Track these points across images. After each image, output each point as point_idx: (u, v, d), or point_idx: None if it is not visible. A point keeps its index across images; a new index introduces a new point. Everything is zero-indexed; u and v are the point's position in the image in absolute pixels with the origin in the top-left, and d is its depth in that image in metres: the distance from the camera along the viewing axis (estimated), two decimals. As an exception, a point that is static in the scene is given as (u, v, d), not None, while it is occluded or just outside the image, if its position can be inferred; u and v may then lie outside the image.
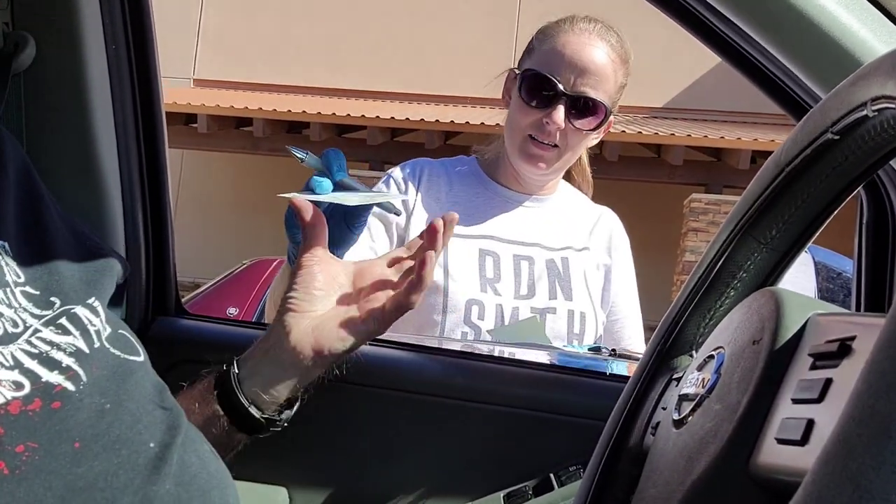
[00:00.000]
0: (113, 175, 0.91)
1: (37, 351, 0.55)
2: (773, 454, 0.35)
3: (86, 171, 0.89)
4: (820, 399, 0.32)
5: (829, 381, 0.33)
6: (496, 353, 1.05)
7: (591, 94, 1.08)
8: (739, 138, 8.06)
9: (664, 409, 0.57)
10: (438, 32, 10.65)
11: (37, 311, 0.57)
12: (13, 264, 0.58)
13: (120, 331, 0.62)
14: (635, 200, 10.13)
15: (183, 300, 1.02)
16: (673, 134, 8.07)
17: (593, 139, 1.17)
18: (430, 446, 0.92)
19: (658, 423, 0.55)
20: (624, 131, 8.22)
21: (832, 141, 0.49)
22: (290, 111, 8.32)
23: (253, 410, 0.67)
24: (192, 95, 9.32)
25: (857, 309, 0.76)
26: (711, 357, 0.46)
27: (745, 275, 0.62)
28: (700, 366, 0.48)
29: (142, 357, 0.62)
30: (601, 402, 0.86)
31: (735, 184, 8.23)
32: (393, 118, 8.18)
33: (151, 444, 0.56)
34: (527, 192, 1.19)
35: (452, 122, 8.33)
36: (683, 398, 0.47)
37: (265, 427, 0.68)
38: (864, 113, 0.45)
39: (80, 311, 0.59)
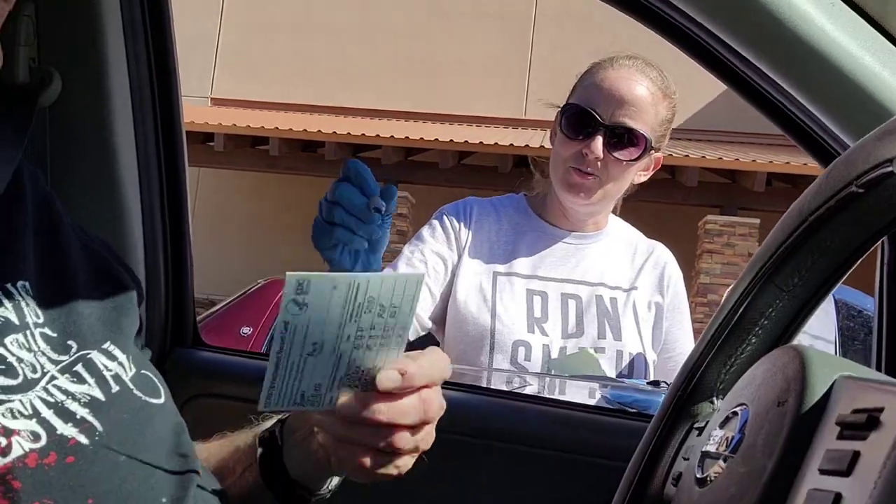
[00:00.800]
0: (135, 207, 0.92)
1: (53, 400, 0.55)
2: (800, 524, 0.35)
3: (109, 203, 0.90)
4: (848, 472, 0.32)
5: (857, 454, 0.32)
6: (543, 388, 1.04)
7: (630, 124, 1.10)
8: (755, 160, 8.02)
9: (685, 459, 0.56)
10: (452, 53, 10.73)
11: (54, 356, 0.57)
12: (33, 304, 0.58)
13: (143, 371, 0.62)
14: (650, 221, 10.06)
15: (198, 317, 1.02)
16: (687, 155, 8.05)
17: (641, 175, 1.18)
18: (445, 485, 0.91)
19: (679, 475, 0.55)
20: (638, 152, 8.19)
21: (856, 194, 0.49)
22: (305, 130, 8.38)
23: (301, 490, 0.62)
24: (210, 114, 9.42)
25: (879, 358, 0.75)
26: (735, 414, 0.46)
27: (766, 322, 0.62)
28: (723, 422, 0.47)
29: (162, 398, 0.62)
30: (626, 442, 0.85)
31: (750, 206, 8.18)
32: (407, 137, 8.23)
33: (164, 500, 0.55)
34: (575, 228, 1.20)
35: (466, 141, 8.36)
36: (706, 455, 0.47)
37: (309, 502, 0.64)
38: (890, 169, 0.44)
39: (95, 356, 0.59)
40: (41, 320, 0.58)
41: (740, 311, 0.63)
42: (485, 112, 10.63)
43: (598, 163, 1.10)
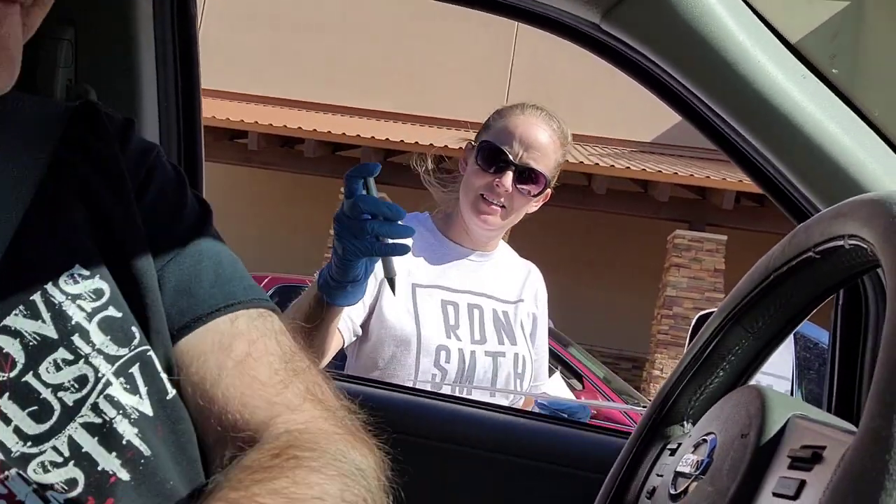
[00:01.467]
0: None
1: (100, 420, 0.51)
2: (755, 536, 0.43)
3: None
4: (796, 497, 0.41)
5: (803, 483, 0.41)
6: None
7: (534, 165, 1.29)
8: (725, 178, 8.24)
9: (659, 475, 0.65)
10: (435, 55, 10.80)
11: (112, 350, 0.53)
12: (90, 284, 0.54)
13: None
14: (620, 234, 10.29)
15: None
16: (660, 171, 8.23)
17: (533, 206, 1.37)
18: (423, 492, 0.99)
19: (654, 490, 0.63)
20: (613, 165, 8.36)
21: (813, 258, 0.58)
22: (285, 126, 8.39)
23: None
24: (188, 103, 9.35)
25: (830, 395, 0.85)
26: (704, 441, 0.55)
27: (733, 358, 0.71)
28: (695, 447, 0.56)
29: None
30: (596, 454, 0.94)
31: (718, 222, 8.39)
32: (388, 139, 8.28)
33: None
34: (476, 247, 1.39)
35: (447, 146, 8.43)
36: (679, 474, 0.55)
37: None
38: (842, 244, 0.53)
39: (153, 355, 0.55)
40: (103, 300, 0.54)
41: (710, 347, 0.72)
42: (466, 116, 10.69)
43: (505, 195, 1.29)
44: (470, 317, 1.32)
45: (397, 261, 1.22)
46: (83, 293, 0.54)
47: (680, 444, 0.66)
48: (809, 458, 0.42)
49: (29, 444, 0.49)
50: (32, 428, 0.49)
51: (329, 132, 8.35)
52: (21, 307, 0.52)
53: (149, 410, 0.54)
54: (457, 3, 0.88)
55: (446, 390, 1.25)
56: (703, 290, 8.03)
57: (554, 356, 4.82)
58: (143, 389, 0.54)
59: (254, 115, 8.74)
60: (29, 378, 0.50)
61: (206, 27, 11.05)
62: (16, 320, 0.51)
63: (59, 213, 0.57)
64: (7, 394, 0.49)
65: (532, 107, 1.34)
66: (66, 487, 0.48)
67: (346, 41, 10.77)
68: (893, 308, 0.39)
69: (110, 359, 0.53)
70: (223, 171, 9.91)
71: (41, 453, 0.49)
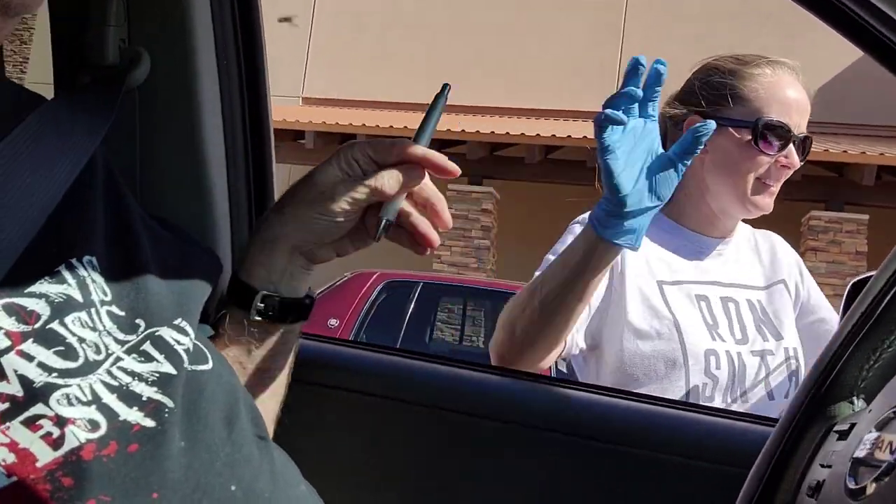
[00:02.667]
0: (221, 190, 0.91)
1: (117, 383, 0.51)
2: None
3: (196, 186, 0.89)
4: None
5: None
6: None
7: (806, 132, 1.16)
8: (864, 152, 7.53)
9: (826, 466, 0.49)
10: (539, 46, 10.60)
11: (120, 336, 0.54)
12: (100, 280, 0.55)
13: (195, 342, 0.58)
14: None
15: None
16: (790, 148, 7.64)
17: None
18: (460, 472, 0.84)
19: (818, 485, 0.47)
20: (735, 145, 7.85)
21: None
22: (391, 126, 8.47)
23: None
24: (301, 113, 9.66)
25: None
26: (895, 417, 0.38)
27: (921, 311, 0.53)
28: (881, 424, 0.40)
29: (210, 364, 0.58)
30: (732, 445, 0.77)
31: (858, 201, 7.70)
32: (492, 132, 8.18)
33: (232, 488, 0.51)
34: (723, 235, 1.21)
35: (553, 135, 8.24)
36: (860, 462, 0.39)
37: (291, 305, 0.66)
38: None
39: (165, 332, 0.56)
40: (108, 297, 0.55)
41: (887, 298, 0.54)
42: (572, 105, 10.43)
43: (788, 174, 1.15)
44: (726, 312, 1.14)
45: (633, 259, 1.11)
46: (97, 281, 0.56)
47: (853, 425, 0.49)
48: None
49: (55, 374, 0.49)
50: (58, 363, 0.49)
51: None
52: (47, 276, 0.53)
53: (171, 370, 0.54)
54: None
55: (717, 402, 1.06)
56: (845, 274, 7.37)
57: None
58: (159, 357, 0.55)
59: (362, 119, 8.88)
60: (55, 325, 0.51)
61: (314, 37, 11.40)
62: (41, 286, 0.52)
63: (88, 204, 0.59)
64: (31, 339, 0.49)
65: (790, 68, 1.17)
66: (88, 426, 0.48)
67: (449, 40, 10.78)
68: None
69: (119, 341, 0.54)
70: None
71: (66, 386, 0.48)
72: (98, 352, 0.51)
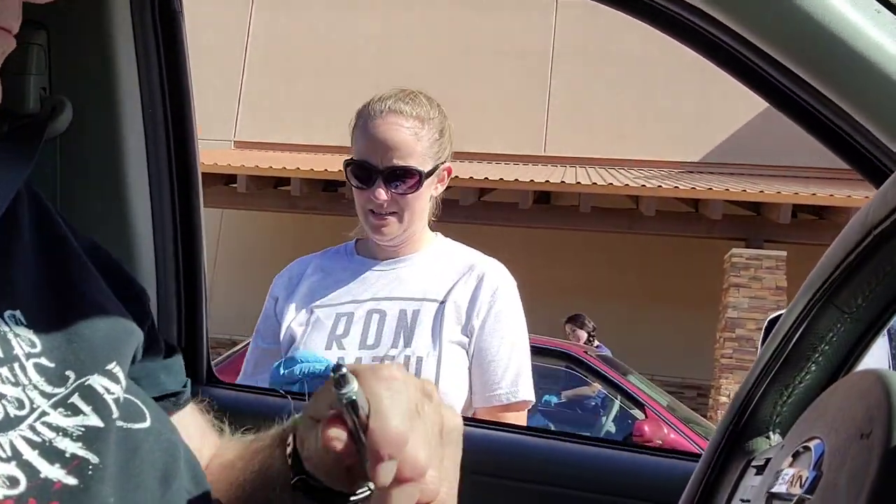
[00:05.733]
0: (147, 240, 0.89)
1: (39, 439, 0.49)
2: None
3: (119, 235, 0.87)
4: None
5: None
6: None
7: (401, 164, 1.24)
8: (779, 192, 7.92)
9: (744, 501, 0.50)
10: (472, 91, 10.83)
11: (48, 389, 0.52)
12: (27, 333, 0.53)
13: (127, 395, 0.56)
14: (674, 256, 9.98)
15: (218, 357, 0.99)
16: (711, 188, 7.97)
17: (437, 189, 1.33)
18: None
19: (739, 520, 0.49)
20: (660, 186, 8.14)
21: (929, 201, 0.44)
22: (326, 170, 8.45)
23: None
24: (233, 157, 9.54)
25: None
26: (806, 449, 0.40)
27: (827, 347, 0.56)
28: (792, 458, 0.42)
29: (147, 422, 0.56)
30: (660, 482, 0.79)
31: (776, 238, 8.06)
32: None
33: None
34: (389, 257, 1.34)
35: (486, 178, 8.37)
36: (775, 496, 0.41)
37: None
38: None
39: (95, 380, 0.54)
40: (37, 349, 0.53)
41: (796, 336, 0.57)
42: (504, 150, 10.66)
43: (386, 204, 1.25)
44: (366, 323, 1.27)
45: (300, 296, 1.33)
46: (21, 335, 0.53)
47: (768, 460, 0.51)
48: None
49: None
50: None
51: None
52: None
53: (98, 423, 0.52)
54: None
55: None
56: (766, 309, 7.67)
57: (613, 385, 4.58)
58: (87, 409, 0.53)
59: (295, 163, 8.84)
60: None
61: (247, 82, 11.34)
62: None
63: (10, 254, 0.57)
64: None
65: (379, 101, 1.29)
66: (7, 483, 0.46)
67: (381, 85, 10.86)
68: None
69: (46, 395, 0.52)
70: (269, 218, 10.04)
71: None
72: (21, 407, 0.50)
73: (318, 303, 1.31)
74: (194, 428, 0.68)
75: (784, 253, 7.91)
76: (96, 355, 0.55)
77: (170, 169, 0.91)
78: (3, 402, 0.49)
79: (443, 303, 1.27)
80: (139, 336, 0.61)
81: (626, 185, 8.21)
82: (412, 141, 1.25)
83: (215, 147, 10.51)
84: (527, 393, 1.24)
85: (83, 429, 0.51)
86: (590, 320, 6.52)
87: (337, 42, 11.33)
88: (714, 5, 0.68)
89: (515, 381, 1.24)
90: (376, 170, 1.24)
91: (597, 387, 4.71)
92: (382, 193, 1.24)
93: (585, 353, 4.87)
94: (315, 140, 10.57)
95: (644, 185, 8.14)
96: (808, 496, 0.37)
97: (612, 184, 8.28)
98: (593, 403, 4.88)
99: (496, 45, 10.99)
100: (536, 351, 5.12)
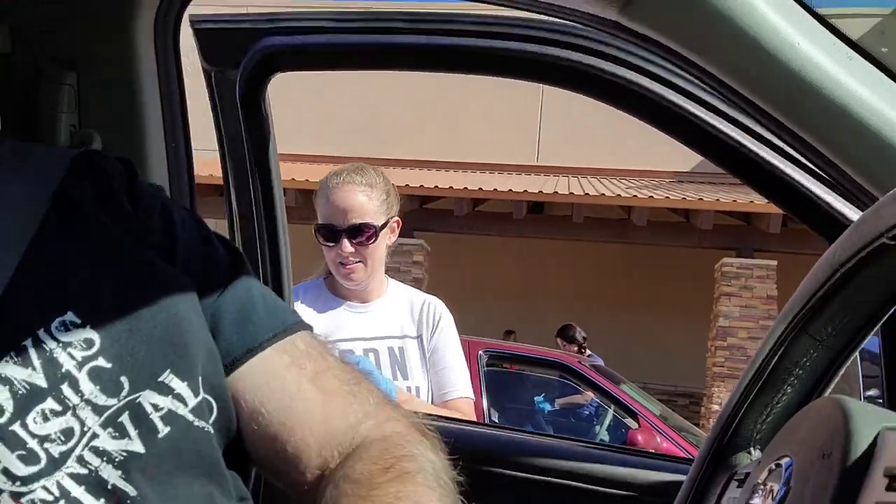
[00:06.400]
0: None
1: (86, 471, 0.51)
2: (854, 579, 0.35)
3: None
4: (903, 526, 0.32)
5: (910, 508, 0.32)
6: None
7: (358, 221, 1.56)
8: (769, 202, 8.01)
9: (727, 512, 0.56)
10: (465, 102, 10.90)
11: (101, 401, 0.52)
12: (82, 334, 0.53)
13: (205, 395, 0.56)
14: (665, 265, 10.06)
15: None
16: (701, 198, 8.06)
17: (390, 239, 1.63)
18: None
19: (722, 528, 0.55)
20: (652, 196, 8.22)
21: (887, 245, 0.50)
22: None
23: None
24: (227, 166, 9.56)
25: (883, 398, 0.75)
26: (778, 466, 0.46)
27: (801, 371, 0.62)
28: (766, 474, 0.48)
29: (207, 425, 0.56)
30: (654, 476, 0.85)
31: (766, 248, 8.15)
32: (422, 186, 8.31)
33: None
34: (361, 299, 1.63)
35: (480, 188, 8.43)
36: (752, 508, 0.47)
37: None
38: (921, 223, 0.45)
39: (146, 398, 0.53)
40: (95, 349, 0.53)
41: (774, 360, 0.63)
42: (498, 159, 10.73)
43: (352, 256, 1.56)
44: (360, 355, 1.52)
45: None
46: (74, 342, 0.53)
47: (748, 474, 0.57)
48: (915, 478, 0.34)
49: (18, 483, 0.49)
50: (21, 470, 0.50)
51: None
52: (12, 353, 0.52)
53: (140, 448, 0.53)
54: None
55: None
56: (758, 318, 7.75)
57: (606, 395, 4.64)
58: (132, 432, 0.54)
59: (292, 173, 8.89)
60: (16, 427, 0.50)
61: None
62: (6, 367, 0.51)
63: (56, 257, 0.56)
64: None
65: (335, 175, 1.60)
66: None
67: (376, 94, 10.96)
68: None
69: (98, 409, 0.53)
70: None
71: (31, 492, 0.49)
72: (69, 437, 0.51)
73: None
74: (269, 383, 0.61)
75: (774, 262, 8.00)
76: (153, 359, 0.54)
77: (191, 201, 0.96)
78: (46, 444, 0.50)
79: (418, 337, 1.60)
80: (203, 335, 0.59)
81: (619, 195, 8.28)
82: (365, 202, 1.57)
83: (211, 157, 10.54)
84: (468, 391, 1.60)
85: (125, 454, 0.52)
86: (580, 330, 6.58)
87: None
88: (703, 56, 0.74)
89: (460, 383, 1.59)
90: (340, 229, 1.55)
91: (590, 395, 4.76)
92: (347, 246, 1.55)
93: (578, 362, 4.93)
94: (313, 150, 10.63)
95: (636, 195, 8.22)
96: (780, 506, 0.43)
97: (604, 194, 8.36)
98: (587, 413, 4.93)
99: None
100: (530, 361, 5.14)
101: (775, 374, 0.63)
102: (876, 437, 0.40)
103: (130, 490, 0.52)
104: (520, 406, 5.08)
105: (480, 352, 4.39)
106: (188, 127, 0.96)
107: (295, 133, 10.83)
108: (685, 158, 10.39)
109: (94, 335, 0.53)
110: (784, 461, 0.46)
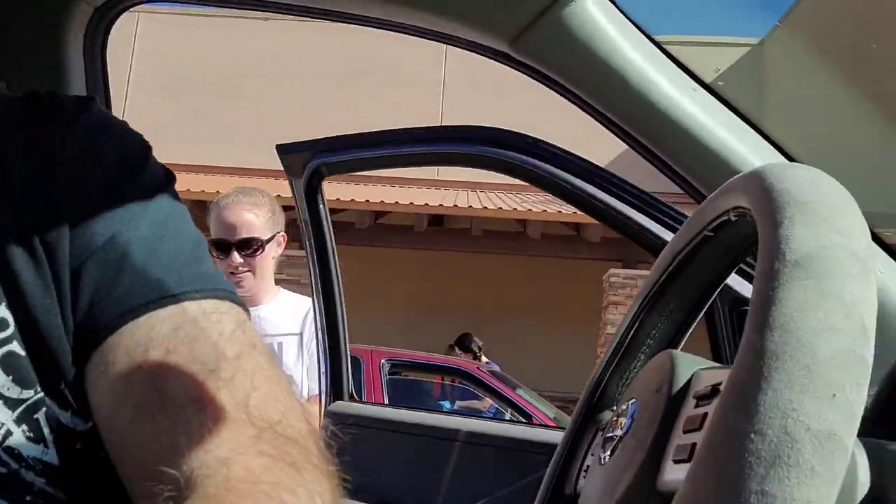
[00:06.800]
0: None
1: (5, 470, 0.45)
2: (672, 472, 0.48)
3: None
4: (700, 427, 0.45)
5: (705, 415, 0.46)
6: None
7: (246, 235, 1.80)
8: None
9: (593, 455, 0.69)
10: (365, 117, 10.98)
11: (15, 393, 0.46)
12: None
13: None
14: (558, 276, 10.50)
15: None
16: (591, 212, 8.49)
17: (277, 251, 1.88)
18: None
19: (588, 468, 0.67)
20: (545, 210, 8.58)
21: (708, 237, 0.65)
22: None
23: None
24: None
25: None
26: (627, 406, 0.59)
27: (651, 341, 0.77)
28: (619, 414, 0.61)
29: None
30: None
31: (648, 259, 8.63)
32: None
33: None
34: (251, 304, 1.77)
35: (382, 202, 8.53)
36: (607, 440, 0.60)
37: None
38: (728, 217, 0.60)
39: (66, 394, 0.47)
40: (7, 333, 0.46)
41: (631, 334, 0.77)
42: (399, 173, 10.85)
43: (241, 266, 1.79)
44: None
45: None
46: None
47: (608, 424, 0.70)
48: (709, 394, 0.47)
49: None
50: None
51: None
52: None
53: (55, 460, 0.46)
54: (377, 26, 0.94)
55: None
56: (643, 325, 8.21)
57: (503, 399, 4.84)
58: (49, 437, 0.46)
59: (184, 184, 8.66)
60: None
61: (131, 98, 10.99)
62: None
63: None
64: None
65: (224, 197, 1.84)
66: None
67: (277, 106, 10.84)
68: (764, 253, 0.44)
69: (11, 403, 0.45)
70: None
71: None
72: None
73: None
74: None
75: (657, 273, 8.51)
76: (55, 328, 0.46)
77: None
78: None
79: (299, 334, 1.83)
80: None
81: (514, 208, 8.60)
82: (252, 219, 1.80)
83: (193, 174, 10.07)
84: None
85: (41, 465, 0.46)
86: (477, 340, 6.77)
87: (225, 62, 11.19)
88: (579, 88, 0.89)
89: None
90: (230, 243, 1.77)
91: (488, 401, 4.94)
92: (237, 258, 1.78)
93: (477, 368, 5.11)
94: (199, 160, 10.37)
95: (530, 209, 8.56)
96: (625, 435, 0.56)
97: (501, 208, 8.65)
98: (485, 416, 5.11)
99: (389, 72, 11.22)
100: (433, 368, 5.27)
101: (632, 344, 0.77)
102: (692, 376, 0.54)
103: (60, 494, 0.46)
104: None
105: (383, 360, 4.47)
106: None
107: (247, 147, 10.54)
108: (576, 174, 10.89)
109: (8, 314, 0.46)
110: (630, 402, 0.59)
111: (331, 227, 1.64)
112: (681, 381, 0.53)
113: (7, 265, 0.46)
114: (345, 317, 1.61)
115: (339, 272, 1.66)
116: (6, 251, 0.46)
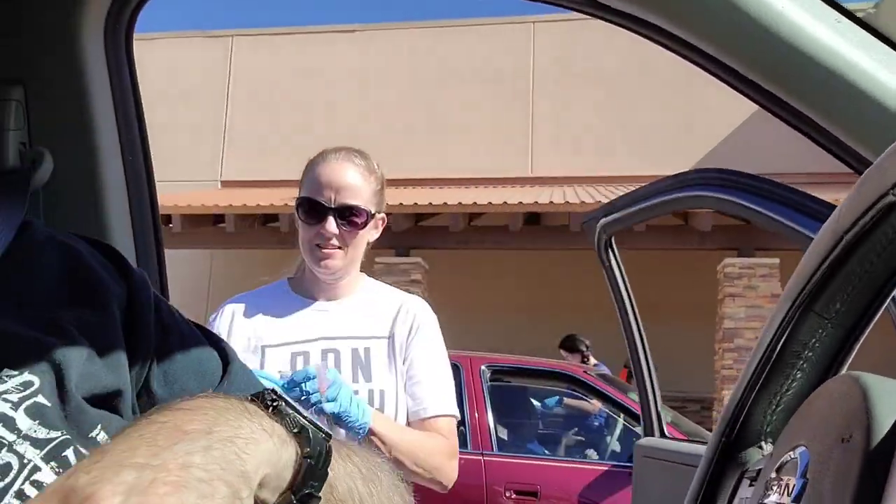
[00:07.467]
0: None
1: None
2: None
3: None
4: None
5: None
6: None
7: (351, 202, 1.38)
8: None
9: (739, 513, 0.51)
10: (455, 118, 10.92)
11: (42, 434, 0.49)
12: (17, 379, 0.50)
13: None
14: (667, 270, 10.01)
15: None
16: (698, 200, 8.01)
17: (372, 234, 1.46)
18: None
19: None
20: (648, 201, 8.18)
21: (894, 203, 0.45)
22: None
23: None
24: (220, 196, 9.56)
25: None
26: (792, 458, 0.41)
27: (810, 354, 0.57)
28: (779, 467, 0.42)
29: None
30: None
31: (767, 246, 8.10)
32: (416, 203, 8.28)
33: None
34: (327, 297, 1.47)
35: (475, 203, 8.40)
36: (764, 507, 0.41)
37: None
38: (933, 172, 0.40)
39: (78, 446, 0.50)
40: (32, 390, 0.50)
41: (780, 345, 0.58)
42: (491, 173, 10.71)
43: (335, 238, 1.38)
44: (324, 361, 1.38)
45: (247, 326, 1.42)
46: (10, 388, 0.50)
47: (760, 471, 0.51)
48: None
49: None
50: None
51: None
52: None
53: None
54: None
55: None
56: (764, 317, 7.67)
57: (615, 404, 4.56)
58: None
59: (283, 198, 8.86)
60: None
61: (230, 121, 11.41)
62: None
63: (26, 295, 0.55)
64: None
65: (333, 151, 1.44)
66: None
67: (365, 115, 10.97)
68: None
69: (39, 443, 0.49)
70: (258, 255, 10.03)
71: None
72: (5, 474, 0.47)
73: (266, 342, 1.40)
74: None
75: (777, 260, 7.95)
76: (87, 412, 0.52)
77: (153, 216, 0.91)
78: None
79: (389, 338, 1.43)
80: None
81: (615, 201, 8.26)
82: (362, 184, 1.40)
83: (202, 188, 10.53)
84: (450, 408, 1.42)
85: None
86: (582, 339, 6.51)
87: (317, 77, 11.43)
88: (691, 33, 0.70)
89: (440, 398, 1.42)
90: (328, 207, 1.38)
91: (598, 405, 4.68)
92: (333, 226, 1.37)
93: (584, 371, 4.86)
94: (299, 175, 10.61)
95: (632, 201, 8.19)
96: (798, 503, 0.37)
97: (600, 201, 8.32)
98: (596, 423, 4.85)
99: (476, 70, 11.11)
100: (536, 373, 5.08)
101: (782, 359, 0.57)
102: (902, 416, 0.35)
103: None
104: (527, 421, 5.00)
105: (483, 367, 4.32)
106: (146, 139, 0.91)
107: (287, 159, 10.82)
108: (679, 161, 10.38)
109: (34, 378, 0.51)
110: (799, 451, 0.40)
111: (626, 279, 1.91)
112: (884, 426, 0.34)
113: None
114: (648, 353, 1.59)
115: (636, 311, 1.81)
116: None
